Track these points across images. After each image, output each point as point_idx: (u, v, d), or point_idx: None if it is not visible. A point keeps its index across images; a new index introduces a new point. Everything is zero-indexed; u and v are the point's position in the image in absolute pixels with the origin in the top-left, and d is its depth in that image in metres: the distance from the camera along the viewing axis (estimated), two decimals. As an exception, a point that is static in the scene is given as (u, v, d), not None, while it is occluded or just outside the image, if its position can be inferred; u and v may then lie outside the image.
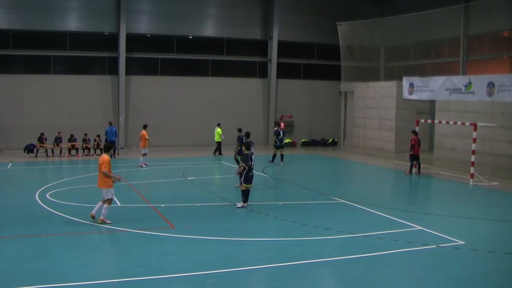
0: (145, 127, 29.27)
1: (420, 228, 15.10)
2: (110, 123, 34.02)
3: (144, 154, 28.41)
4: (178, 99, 39.48)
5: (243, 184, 17.73)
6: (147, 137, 28.35)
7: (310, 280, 11.02)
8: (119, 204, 18.38)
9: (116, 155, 33.39)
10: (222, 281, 10.73)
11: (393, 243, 13.45)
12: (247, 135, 22.87)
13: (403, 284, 10.80)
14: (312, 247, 13.27)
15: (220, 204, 18.47)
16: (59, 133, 33.11)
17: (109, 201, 15.30)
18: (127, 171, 27.31)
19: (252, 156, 18.01)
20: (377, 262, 12.15)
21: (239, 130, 25.44)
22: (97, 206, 15.43)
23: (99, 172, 15.30)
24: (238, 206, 17.76)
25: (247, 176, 17.64)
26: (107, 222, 15.17)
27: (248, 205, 17.76)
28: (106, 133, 33.03)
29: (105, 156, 15.38)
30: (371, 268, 11.75)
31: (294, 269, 11.53)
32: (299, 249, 12.96)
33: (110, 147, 16.31)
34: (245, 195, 17.77)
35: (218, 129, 33.93)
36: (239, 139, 23.60)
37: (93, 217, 15.36)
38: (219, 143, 34.08)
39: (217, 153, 34.00)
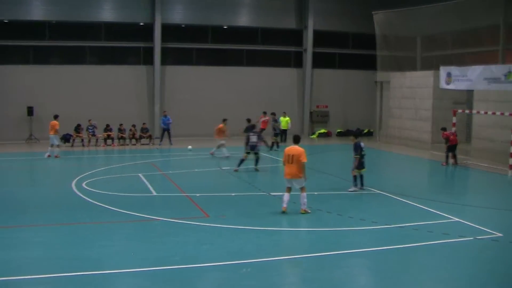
0: (224, 121, 28.49)
1: (456, 219, 14.90)
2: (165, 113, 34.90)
3: (221, 145, 27.67)
4: (213, 89, 39.59)
5: (356, 170, 18.78)
6: (225, 129, 27.83)
7: (344, 270, 11.01)
8: (154, 194, 18.59)
9: (152, 144, 33.83)
10: (257, 271, 10.78)
11: (428, 234, 13.29)
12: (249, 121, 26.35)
13: (438, 275, 10.68)
14: (346, 237, 13.25)
15: (255, 194, 18.53)
16: (89, 121, 33.62)
17: (304, 188, 15.32)
18: (162, 161, 27.59)
19: (361, 144, 19.03)
20: (412, 253, 12.07)
21: (248, 121, 27.14)
22: (285, 199, 15.29)
23: (290, 162, 15.12)
24: (350, 190, 18.75)
25: (360, 162, 18.79)
26: (309, 211, 15.26)
27: (359, 188, 18.90)
28: (163, 122, 34.04)
29: (299, 148, 15.41)
30: (406, 259, 11.67)
31: (328, 259, 11.52)
32: (333, 239, 12.95)
33: (299, 138, 16.33)
34: (355, 179, 18.91)
35: (287, 118, 34.22)
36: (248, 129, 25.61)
37: (285, 211, 15.20)
38: (285, 131, 34.43)
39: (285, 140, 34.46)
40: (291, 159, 15.19)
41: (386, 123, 38.51)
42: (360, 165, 18.86)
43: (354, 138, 19.44)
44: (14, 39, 36.06)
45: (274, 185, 20.66)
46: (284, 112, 34.97)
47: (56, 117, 28.33)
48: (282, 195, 15.57)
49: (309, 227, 14.27)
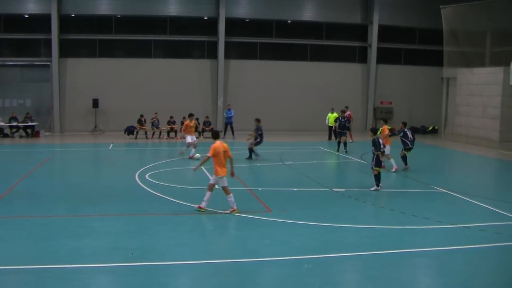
0: (386, 121, 26.31)
1: (526, 221, 14.40)
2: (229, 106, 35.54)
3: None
4: (276, 84, 39.67)
5: (375, 168, 18.02)
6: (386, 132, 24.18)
7: (407, 270, 10.82)
8: (216, 187, 18.69)
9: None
10: (318, 267, 10.73)
11: (496, 236, 12.90)
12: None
13: (505, 279, 10.38)
14: (410, 236, 13.01)
15: (317, 190, 18.43)
16: (155, 114, 34.20)
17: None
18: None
19: (380, 141, 18.16)
20: (478, 255, 11.69)
21: (258, 120, 25.92)
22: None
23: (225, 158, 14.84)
24: (371, 189, 18.04)
25: (378, 160, 17.95)
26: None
27: (381, 188, 18.10)
28: (226, 116, 34.92)
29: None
30: (471, 261, 11.31)
31: (391, 257, 11.36)
32: (396, 238, 12.74)
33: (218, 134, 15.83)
34: (378, 179, 18.11)
35: (335, 114, 33.67)
36: (258, 129, 25.26)
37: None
38: (330, 128, 34.20)
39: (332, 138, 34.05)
40: (225, 155, 14.73)
41: (452, 121, 37.65)
42: (378, 163, 17.96)
43: (372, 134, 18.64)
44: (80, 33, 37.14)
45: (337, 180, 20.53)
46: (332, 108, 34.49)
47: (190, 115, 26.43)
48: (207, 195, 14.91)
49: (371, 224, 14.08)
